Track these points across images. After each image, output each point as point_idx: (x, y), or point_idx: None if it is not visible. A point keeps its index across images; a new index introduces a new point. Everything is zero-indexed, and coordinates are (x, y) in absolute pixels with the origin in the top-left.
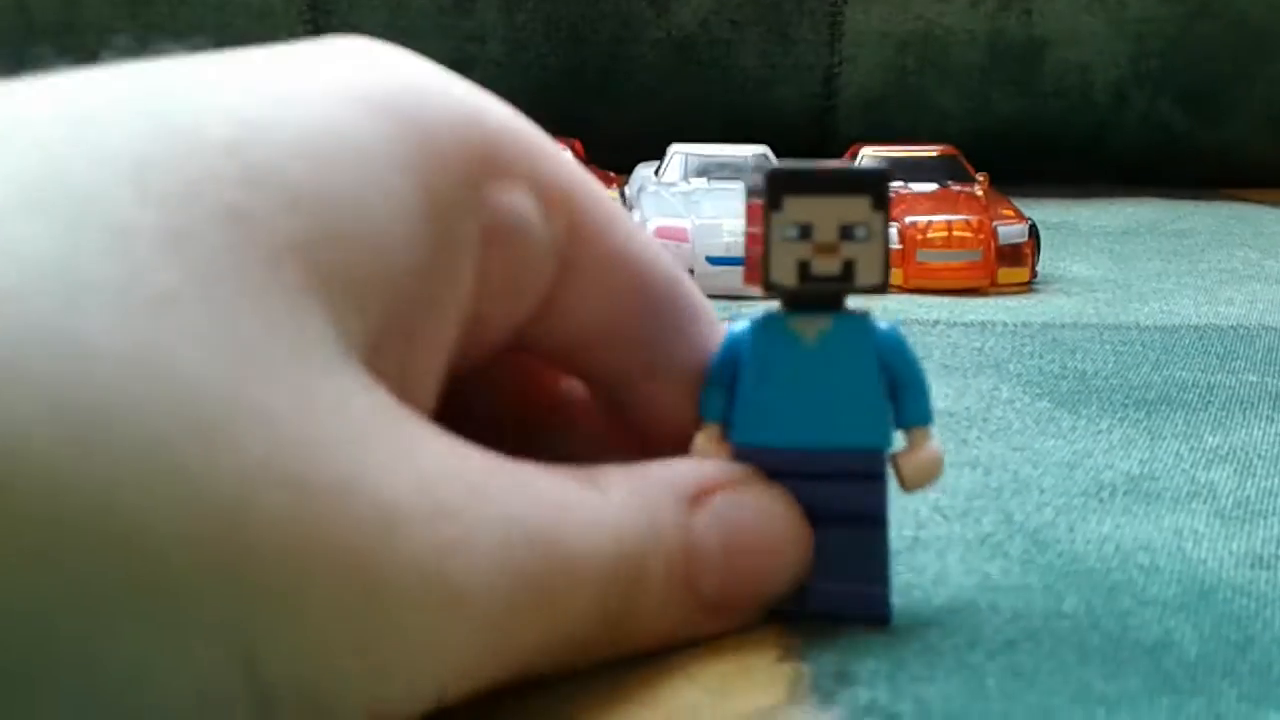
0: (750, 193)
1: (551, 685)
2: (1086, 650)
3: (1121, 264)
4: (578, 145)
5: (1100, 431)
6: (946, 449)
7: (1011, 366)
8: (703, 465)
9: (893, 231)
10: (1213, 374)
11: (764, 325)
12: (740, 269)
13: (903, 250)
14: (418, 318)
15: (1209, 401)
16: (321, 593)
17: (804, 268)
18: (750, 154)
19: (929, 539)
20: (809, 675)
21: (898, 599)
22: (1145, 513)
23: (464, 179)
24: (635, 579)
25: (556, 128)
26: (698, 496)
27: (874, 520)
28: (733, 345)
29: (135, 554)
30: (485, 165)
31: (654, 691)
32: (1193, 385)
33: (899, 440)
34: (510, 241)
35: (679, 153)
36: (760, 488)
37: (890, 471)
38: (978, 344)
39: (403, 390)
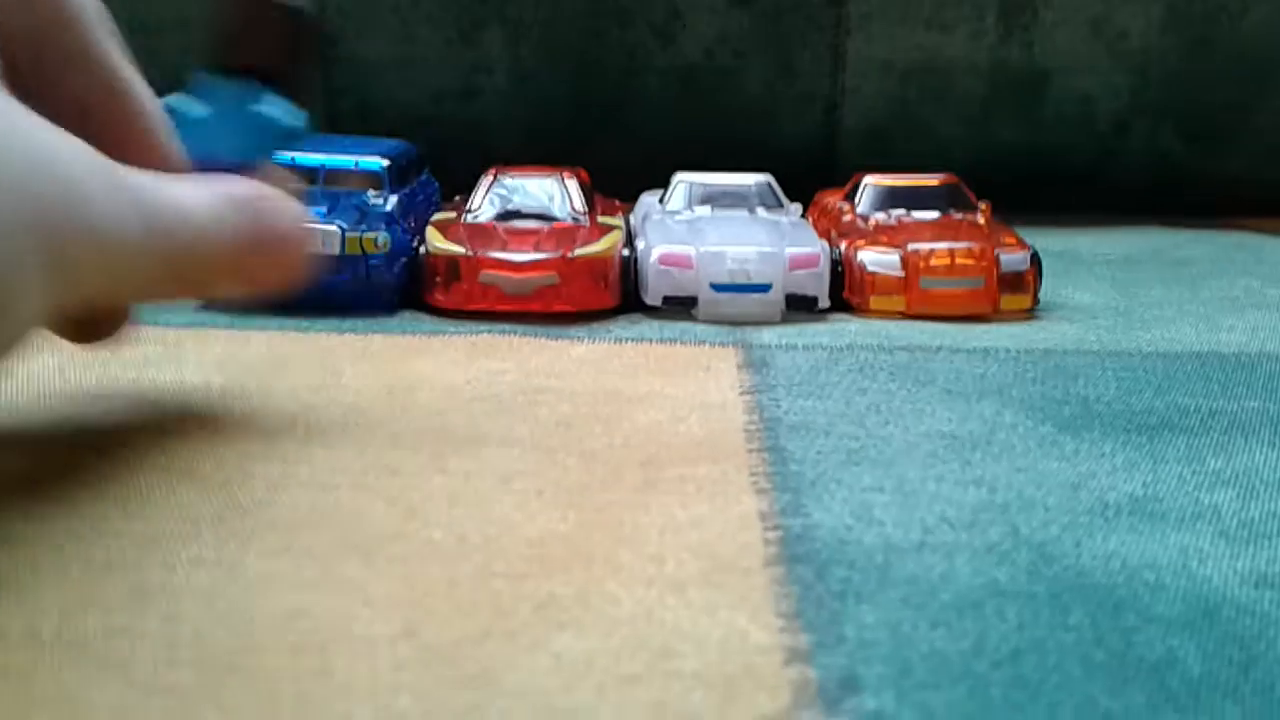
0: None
1: (550, 674)
2: (1091, 665)
3: (1123, 291)
4: (583, 174)
5: (1103, 455)
6: (950, 470)
7: (1014, 392)
8: (249, 182)
9: (896, 259)
10: (1214, 400)
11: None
12: (747, 296)
13: (906, 277)
14: None
15: (1211, 427)
16: None
17: None
18: (754, 182)
19: (936, 543)
20: (815, 681)
21: (903, 594)
22: (1150, 531)
23: None
24: (215, 240)
25: (562, 157)
26: (246, 201)
27: None
28: None
29: None
30: None
31: (660, 695)
32: (1194, 411)
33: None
34: None
35: (683, 181)
36: (289, 201)
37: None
38: (980, 370)
39: None
